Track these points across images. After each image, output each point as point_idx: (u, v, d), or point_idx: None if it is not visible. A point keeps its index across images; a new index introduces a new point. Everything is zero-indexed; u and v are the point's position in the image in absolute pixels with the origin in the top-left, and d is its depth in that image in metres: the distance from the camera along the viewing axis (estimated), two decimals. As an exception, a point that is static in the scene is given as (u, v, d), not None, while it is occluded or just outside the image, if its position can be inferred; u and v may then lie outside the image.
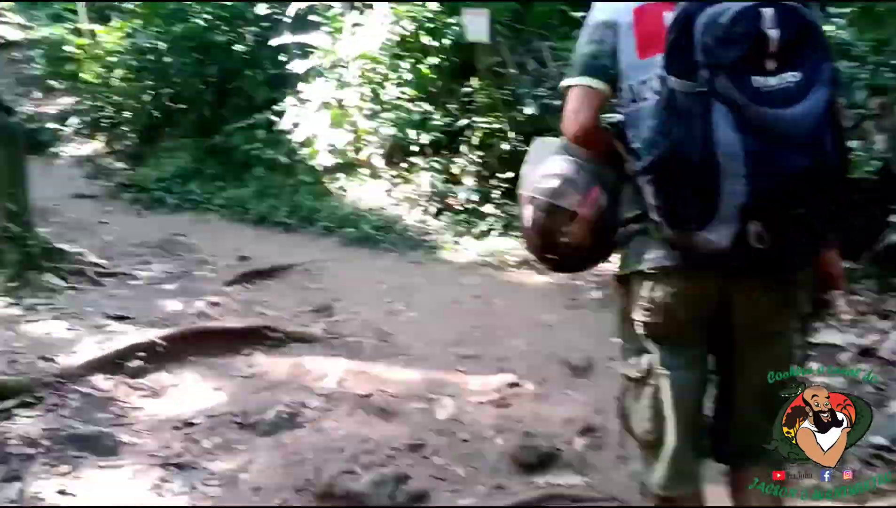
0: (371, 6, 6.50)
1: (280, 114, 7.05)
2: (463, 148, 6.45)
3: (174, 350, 3.67)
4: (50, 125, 8.78)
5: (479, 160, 6.42)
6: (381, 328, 4.18)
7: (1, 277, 4.62)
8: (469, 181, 6.38)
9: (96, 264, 5.21)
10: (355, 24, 6.54)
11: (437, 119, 6.33)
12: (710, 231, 1.45)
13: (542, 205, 1.75)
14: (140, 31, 7.88)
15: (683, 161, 1.44)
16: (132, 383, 3.40)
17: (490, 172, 6.42)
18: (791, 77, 1.42)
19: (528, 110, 6.01)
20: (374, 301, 4.73)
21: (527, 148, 1.94)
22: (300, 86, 6.88)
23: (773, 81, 1.41)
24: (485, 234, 5.89)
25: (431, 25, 6.39)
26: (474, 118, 6.29)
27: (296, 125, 6.86)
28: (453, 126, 6.39)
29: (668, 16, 1.53)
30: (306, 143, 6.77)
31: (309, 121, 6.76)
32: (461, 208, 6.23)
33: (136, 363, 3.50)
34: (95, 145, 8.30)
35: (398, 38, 6.42)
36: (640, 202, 1.60)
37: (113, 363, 3.47)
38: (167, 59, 7.87)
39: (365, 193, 6.45)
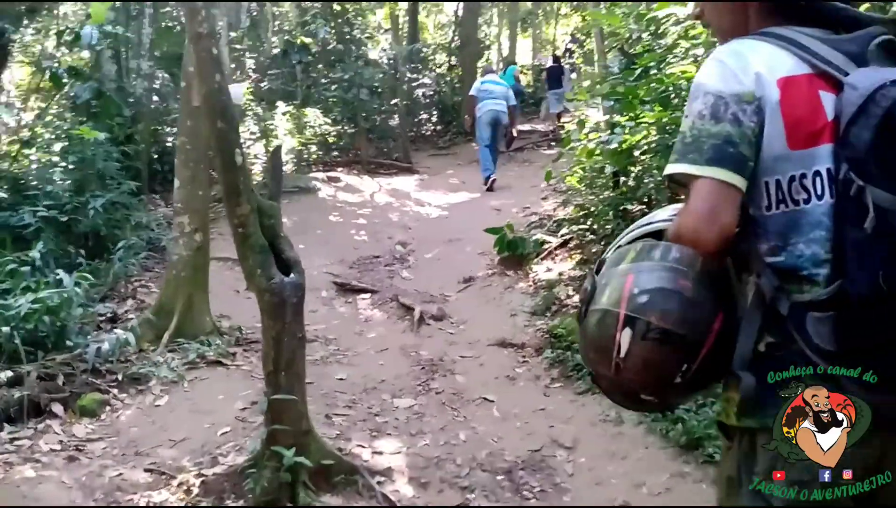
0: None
1: None
2: None
3: None
4: (538, 236, 7.54)
5: None
6: None
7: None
8: None
9: (386, 502, 3.42)
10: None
11: None
12: None
13: (657, 332, 1.31)
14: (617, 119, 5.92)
15: None
16: None
17: None
18: None
19: None
20: None
21: None
22: None
23: None
24: None
25: None
26: None
27: None
28: None
29: (827, 98, 1.31)
30: None
31: None
32: None
33: None
34: (567, 267, 6.64)
35: None
36: (778, 331, 1.32)
37: None
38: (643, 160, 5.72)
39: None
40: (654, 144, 5.60)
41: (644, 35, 6.33)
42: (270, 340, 3.39)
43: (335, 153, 14.17)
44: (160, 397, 4.52)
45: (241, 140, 11.00)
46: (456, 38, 18.45)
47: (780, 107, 1.30)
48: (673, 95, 5.46)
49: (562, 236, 7.34)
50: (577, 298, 5.92)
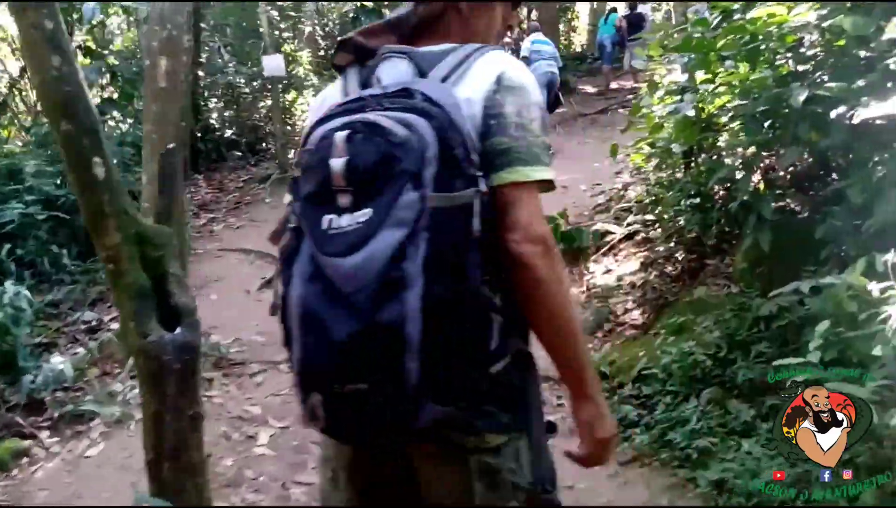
0: None
1: None
2: None
3: None
4: (599, 225, 6.33)
5: None
6: None
7: None
8: None
9: None
10: None
11: None
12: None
13: None
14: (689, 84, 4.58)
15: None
16: None
17: None
18: (362, 217, 1.10)
19: None
20: None
21: None
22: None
23: (345, 220, 1.11)
24: None
25: None
26: None
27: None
28: None
29: None
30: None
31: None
32: None
33: None
34: (630, 268, 5.40)
35: None
36: None
37: None
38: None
39: None
40: (736, 112, 4.25)
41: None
42: (149, 418, 2.47)
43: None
44: (96, 443, 3.72)
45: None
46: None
47: None
48: (762, 47, 4.10)
49: (627, 225, 6.08)
50: (636, 314, 4.76)
